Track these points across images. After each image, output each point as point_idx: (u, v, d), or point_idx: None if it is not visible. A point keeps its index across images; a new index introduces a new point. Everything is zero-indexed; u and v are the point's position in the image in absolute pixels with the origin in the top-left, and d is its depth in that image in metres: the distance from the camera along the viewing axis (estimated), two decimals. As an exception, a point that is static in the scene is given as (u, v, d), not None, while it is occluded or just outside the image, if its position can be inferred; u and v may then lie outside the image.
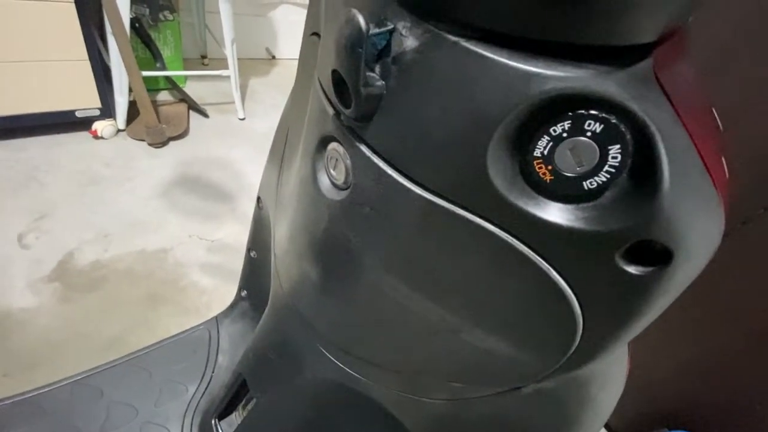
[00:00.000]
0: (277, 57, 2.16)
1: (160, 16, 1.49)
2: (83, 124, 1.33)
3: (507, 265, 0.21)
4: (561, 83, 0.15)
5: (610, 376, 0.30)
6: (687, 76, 0.17)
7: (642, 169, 0.16)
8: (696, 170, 0.17)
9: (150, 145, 1.40)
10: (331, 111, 0.23)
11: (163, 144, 1.42)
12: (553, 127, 0.17)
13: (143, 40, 1.44)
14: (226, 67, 1.53)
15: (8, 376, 0.81)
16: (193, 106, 1.60)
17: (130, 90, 1.36)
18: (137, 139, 1.41)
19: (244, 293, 0.70)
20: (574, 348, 0.22)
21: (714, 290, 0.79)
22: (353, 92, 0.19)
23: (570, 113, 0.16)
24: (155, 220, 1.20)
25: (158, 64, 1.47)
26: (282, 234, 0.36)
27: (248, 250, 0.64)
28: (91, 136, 1.35)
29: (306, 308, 0.34)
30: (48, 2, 1.05)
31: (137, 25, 1.40)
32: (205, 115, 1.61)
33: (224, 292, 1.10)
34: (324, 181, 0.25)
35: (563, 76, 0.15)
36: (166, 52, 1.53)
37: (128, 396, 0.58)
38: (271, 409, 0.44)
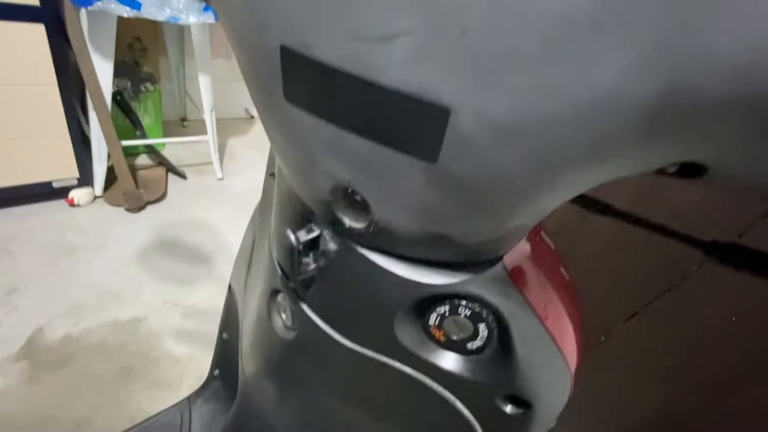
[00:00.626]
0: (255, 116, 2.26)
1: (142, 87, 1.56)
2: (59, 193, 1.35)
3: (423, 395, 0.25)
4: (435, 288, 0.20)
5: None
6: (538, 262, 0.23)
7: (503, 341, 0.21)
8: (544, 342, 0.22)
9: (127, 210, 1.42)
10: (279, 271, 0.28)
11: (141, 208, 1.45)
12: (439, 307, 0.22)
13: (124, 111, 1.49)
14: (205, 129, 1.60)
15: (-34, 470, 0.78)
16: (172, 169, 1.65)
17: (109, 157, 1.40)
18: (115, 205, 1.43)
19: (216, 372, 0.71)
20: None
21: (656, 344, 0.85)
22: (291, 278, 0.23)
23: (448, 300, 0.21)
24: (130, 288, 1.20)
25: (138, 133, 1.52)
26: (245, 339, 0.39)
27: (220, 332, 0.66)
28: (67, 204, 1.36)
29: (266, 406, 0.37)
30: (32, 86, 1.10)
31: (119, 97, 1.46)
32: (184, 177, 1.66)
33: (198, 360, 1.09)
34: (277, 321, 0.30)
35: (436, 284, 0.20)
36: (146, 120, 1.59)
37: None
38: None
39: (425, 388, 0.24)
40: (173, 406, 0.70)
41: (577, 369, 0.24)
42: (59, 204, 1.37)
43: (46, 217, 1.32)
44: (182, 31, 1.68)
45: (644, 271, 0.85)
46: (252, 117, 2.24)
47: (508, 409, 0.23)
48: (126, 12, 1.07)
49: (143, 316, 1.14)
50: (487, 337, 0.21)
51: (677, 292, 0.80)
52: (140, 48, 1.59)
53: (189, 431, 0.67)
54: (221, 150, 1.85)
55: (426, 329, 0.23)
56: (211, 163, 1.75)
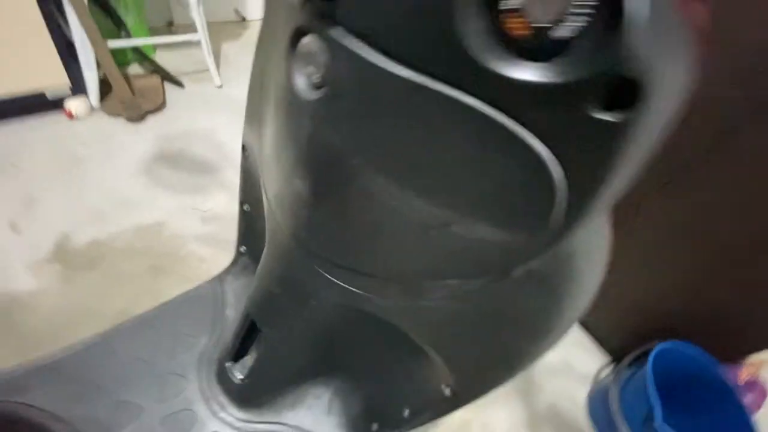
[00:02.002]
0: (247, 18, 2.07)
1: (118, -19, 1.40)
2: (56, 105, 1.29)
3: (487, 138, 0.22)
4: None
5: (593, 248, 0.31)
6: None
7: (610, 6, 0.16)
8: (665, 3, 0.17)
9: (127, 120, 1.37)
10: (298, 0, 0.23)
11: (141, 118, 1.39)
12: None
13: (104, 9, 1.36)
14: (194, 32, 1.47)
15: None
16: (167, 77, 1.55)
17: (99, 65, 1.31)
18: (114, 115, 1.37)
19: (242, 249, 0.72)
20: (557, 214, 0.23)
21: (688, 212, 0.82)
22: None
23: None
24: (145, 196, 1.20)
25: (123, 33, 1.41)
26: (269, 162, 0.36)
27: (241, 203, 0.65)
28: (66, 116, 1.31)
29: (302, 231, 0.35)
30: (-6, -28, 0.98)
31: (95, -8, 1.32)
32: (181, 85, 1.57)
33: (222, 258, 1.11)
34: (299, 83, 0.25)
35: None
36: (129, 21, 1.46)
37: (142, 352, 0.60)
38: (280, 341, 0.46)
39: (489, 123, 0.20)
40: (205, 282, 0.72)
41: None
42: (57, 117, 1.31)
43: (46, 130, 1.27)
44: None
45: (682, 132, 0.79)
46: (244, 19, 2.05)
47: (605, 116, 0.18)
48: None
49: (164, 221, 1.15)
50: (587, 8, 0.16)
51: (716, 156, 0.75)
52: (110, -63, 1.40)
53: (223, 302, 0.69)
54: (215, 56, 1.72)
55: (497, 24, 0.18)
56: (207, 70, 1.64)
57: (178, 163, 1.32)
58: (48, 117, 1.30)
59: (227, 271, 0.74)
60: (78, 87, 1.29)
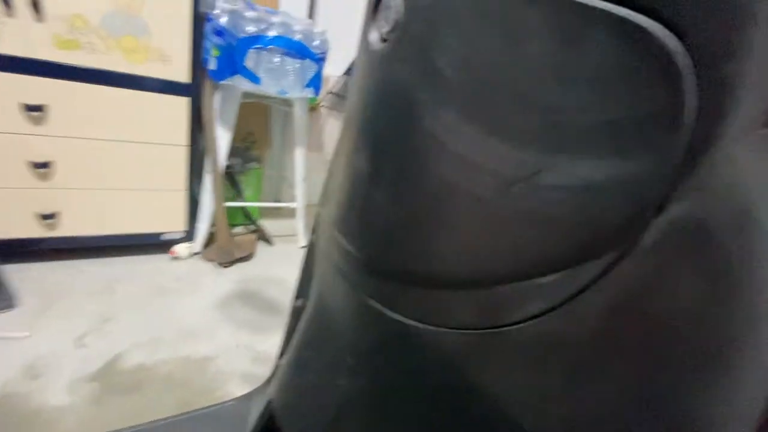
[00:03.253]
0: (339, 204, 2.43)
1: (248, 165, 1.81)
2: (165, 246, 1.49)
3: (575, 32, 0.18)
4: None
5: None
6: None
7: None
8: None
9: (219, 264, 1.50)
10: None
11: (231, 264, 1.52)
12: None
13: (231, 181, 1.72)
14: (295, 214, 1.75)
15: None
16: (262, 236, 1.76)
17: (212, 224, 1.56)
18: (208, 260, 1.53)
19: (284, 359, 0.61)
20: (687, 111, 0.16)
21: None
22: None
23: None
24: (207, 328, 1.19)
25: (239, 199, 1.71)
26: (338, 171, 0.34)
27: (295, 299, 0.59)
28: (170, 256, 1.49)
29: (357, 230, 0.29)
30: (166, 146, 1.34)
31: (229, 169, 1.70)
32: (271, 243, 1.75)
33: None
34: (373, 39, 0.26)
35: None
36: (248, 192, 1.80)
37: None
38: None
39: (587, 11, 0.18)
40: (233, 399, 0.59)
41: None
42: (163, 256, 1.50)
43: (149, 265, 1.44)
44: (286, 128, 2.00)
45: None
46: (336, 203, 2.41)
47: None
48: (249, 85, 1.32)
49: (214, 356, 1.09)
50: None
51: None
52: (252, 140, 1.90)
53: (244, 428, 0.55)
54: (305, 226, 1.96)
55: None
56: (296, 234, 1.85)
57: (249, 302, 1.34)
58: (155, 255, 1.49)
59: (260, 389, 0.62)
60: (189, 234, 1.51)
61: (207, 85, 1.36)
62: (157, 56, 1.22)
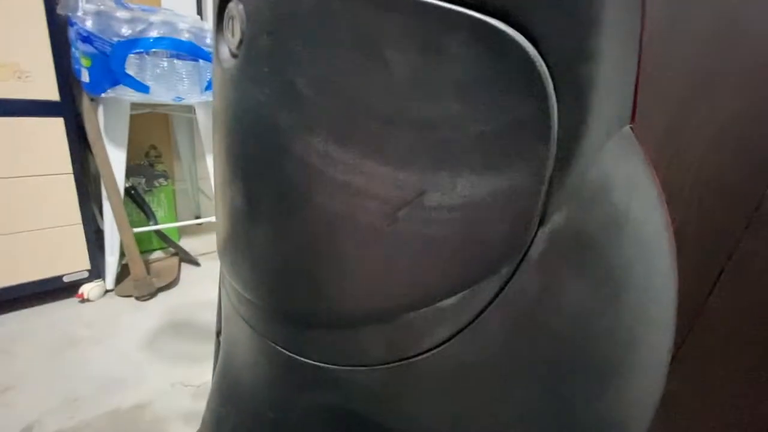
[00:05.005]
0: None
1: (155, 183, 1.64)
2: (70, 289, 1.31)
3: (433, 40, 0.16)
4: None
5: (639, 194, 0.20)
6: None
7: None
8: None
9: (137, 298, 1.35)
10: None
11: (151, 296, 1.38)
12: None
13: (138, 204, 1.54)
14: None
15: None
16: (185, 258, 1.62)
17: (123, 255, 1.39)
18: (125, 296, 1.37)
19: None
20: (554, 131, 0.15)
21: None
22: None
23: None
24: (134, 374, 1.06)
25: (151, 222, 1.54)
26: (216, 195, 0.30)
27: (217, 335, 0.54)
28: (77, 299, 1.31)
29: (238, 269, 0.26)
30: (47, 176, 1.15)
31: (133, 191, 1.52)
32: (197, 264, 1.62)
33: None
34: (224, 53, 0.22)
35: None
36: (159, 213, 1.63)
37: None
38: None
39: (444, 18, 0.16)
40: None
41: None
42: (68, 301, 1.31)
43: (52, 315, 1.25)
44: (192, 135, 1.84)
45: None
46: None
47: None
48: (137, 95, 1.17)
49: (148, 402, 0.98)
50: None
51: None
52: (156, 154, 1.72)
53: None
54: (235, 237, 1.84)
55: None
56: (225, 249, 1.73)
57: (180, 333, 1.23)
58: (58, 301, 1.30)
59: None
60: (95, 271, 1.34)
61: (85, 100, 1.19)
62: (11, 73, 1.02)
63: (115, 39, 1.08)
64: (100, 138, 1.24)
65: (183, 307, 1.35)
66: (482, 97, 0.17)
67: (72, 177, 1.19)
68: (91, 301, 1.32)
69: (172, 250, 1.66)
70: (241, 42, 0.21)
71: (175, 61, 1.19)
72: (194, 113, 1.50)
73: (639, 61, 0.17)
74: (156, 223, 1.56)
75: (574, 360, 0.19)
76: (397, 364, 0.22)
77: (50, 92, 1.08)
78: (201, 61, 1.24)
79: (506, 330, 0.20)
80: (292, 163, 0.20)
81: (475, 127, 0.17)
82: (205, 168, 1.93)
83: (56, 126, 1.12)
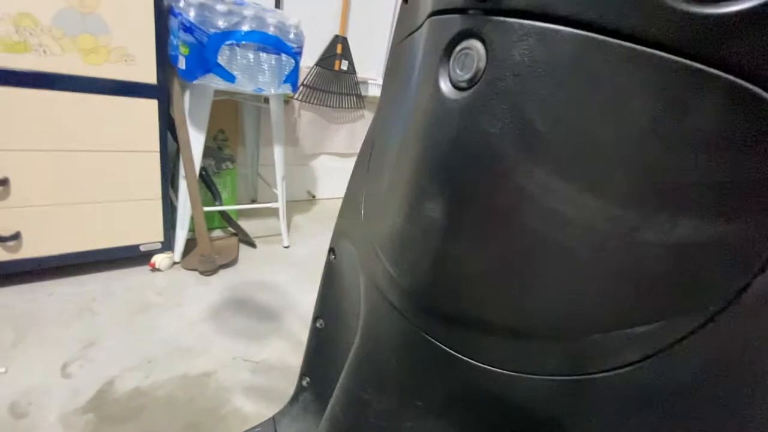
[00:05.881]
0: (317, 197, 2.39)
1: (223, 165, 1.73)
2: (143, 258, 1.41)
3: (682, 96, 0.18)
4: None
5: None
6: None
7: None
8: None
9: (201, 273, 1.44)
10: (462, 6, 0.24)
11: (214, 272, 1.46)
12: None
13: (206, 184, 1.63)
14: (273, 212, 1.69)
15: None
16: (243, 239, 1.70)
17: (190, 230, 1.49)
18: (190, 269, 1.46)
19: (306, 381, 0.60)
20: None
21: None
22: None
23: None
24: (200, 343, 1.14)
25: (217, 203, 1.63)
26: (384, 201, 0.33)
27: (314, 319, 0.58)
28: (149, 268, 1.41)
29: (427, 276, 0.28)
30: (138, 152, 1.25)
31: (203, 172, 1.61)
32: (254, 246, 1.70)
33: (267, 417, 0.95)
34: (445, 85, 0.25)
35: None
36: (224, 194, 1.72)
37: None
38: None
39: (683, 75, 0.18)
40: (256, 426, 0.58)
41: None
42: (141, 268, 1.41)
43: (128, 280, 1.35)
44: (259, 124, 1.92)
45: None
46: (314, 197, 2.37)
47: None
48: (223, 84, 1.24)
49: (213, 371, 1.05)
50: None
51: None
52: (223, 138, 1.81)
53: None
54: (288, 225, 1.91)
55: None
56: (279, 234, 1.80)
57: (241, 310, 1.30)
58: (134, 268, 1.41)
59: (283, 412, 0.61)
60: (167, 243, 1.43)
61: (176, 86, 1.27)
62: (119, 56, 1.12)
63: (212, 30, 1.15)
64: (185, 122, 1.32)
65: (242, 286, 1.43)
66: (726, 152, 0.18)
67: (158, 155, 1.28)
68: (161, 271, 1.42)
69: (231, 230, 1.75)
70: (474, 77, 0.23)
71: (261, 54, 1.25)
72: (265, 102, 1.57)
73: None
74: (221, 204, 1.65)
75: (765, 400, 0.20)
76: (574, 377, 0.24)
77: (150, 76, 1.17)
78: (283, 55, 1.30)
79: (701, 365, 0.21)
80: (509, 190, 0.23)
81: (711, 177, 0.19)
82: (265, 155, 2.01)
83: (150, 107, 1.21)
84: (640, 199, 0.20)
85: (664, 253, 0.20)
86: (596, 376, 0.23)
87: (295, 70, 1.36)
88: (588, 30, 0.19)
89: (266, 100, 1.55)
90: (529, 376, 0.25)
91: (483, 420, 0.28)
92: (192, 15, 1.12)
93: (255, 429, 0.58)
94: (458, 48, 0.24)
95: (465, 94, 0.23)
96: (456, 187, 0.25)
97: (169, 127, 1.31)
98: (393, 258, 0.31)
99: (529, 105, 0.21)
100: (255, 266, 1.58)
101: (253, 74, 1.27)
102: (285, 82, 1.36)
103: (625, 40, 0.18)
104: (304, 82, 1.95)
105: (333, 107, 2.14)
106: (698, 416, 0.22)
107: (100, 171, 1.20)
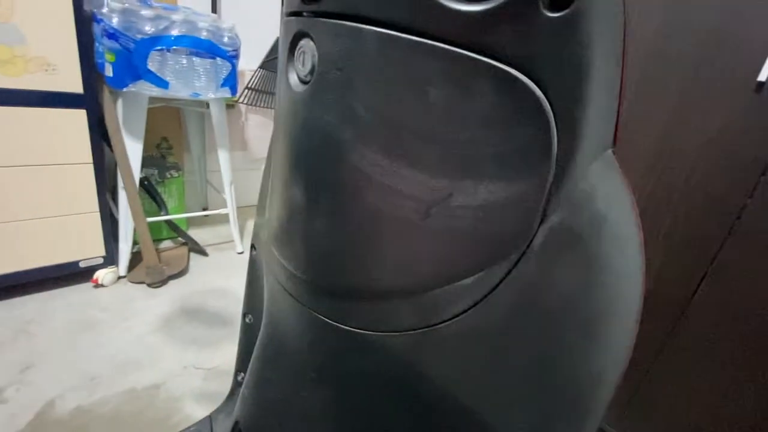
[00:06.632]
0: (272, 202, 2.37)
1: (167, 174, 1.69)
2: (84, 274, 1.36)
3: (464, 80, 0.22)
4: None
5: (615, 201, 0.25)
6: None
7: None
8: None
9: (149, 285, 1.40)
10: (298, 9, 0.27)
11: (163, 283, 1.43)
12: None
13: (150, 194, 1.59)
14: (225, 219, 1.66)
15: None
16: (194, 248, 1.67)
17: (135, 243, 1.44)
18: (137, 282, 1.42)
19: (240, 377, 0.62)
20: (554, 152, 0.21)
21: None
22: None
23: None
24: (149, 356, 1.12)
25: (162, 212, 1.59)
26: (272, 194, 0.35)
27: (244, 315, 0.59)
28: (92, 284, 1.36)
29: (301, 254, 0.31)
30: (69, 165, 1.20)
31: (146, 182, 1.57)
32: (205, 254, 1.67)
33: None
34: (293, 79, 0.27)
35: None
36: (170, 204, 1.68)
37: None
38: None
39: (462, 63, 0.21)
40: (194, 424, 0.59)
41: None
42: (84, 285, 1.36)
43: (69, 298, 1.30)
44: (203, 129, 1.88)
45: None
46: (269, 202, 2.35)
47: (553, 14, 0.20)
48: (157, 90, 1.22)
49: (162, 382, 1.04)
50: None
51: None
52: (167, 147, 1.77)
53: None
54: (240, 231, 1.89)
55: None
56: (231, 241, 1.78)
57: (192, 320, 1.28)
58: (75, 286, 1.35)
59: (220, 409, 0.62)
60: (110, 258, 1.38)
61: (106, 93, 1.24)
62: (39, 66, 1.07)
63: (139, 36, 1.12)
64: (118, 130, 1.29)
65: (193, 295, 1.41)
66: (500, 126, 0.22)
67: (92, 167, 1.24)
68: (105, 286, 1.37)
69: (180, 240, 1.71)
70: (311, 72, 0.26)
71: (194, 58, 1.24)
72: (207, 108, 1.55)
73: (620, 102, 0.23)
74: (167, 214, 1.61)
75: (563, 326, 0.24)
76: (423, 330, 0.28)
77: (75, 85, 1.13)
78: (218, 58, 1.29)
79: (511, 304, 0.25)
80: (348, 169, 0.26)
81: (494, 148, 0.23)
82: (214, 161, 1.98)
83: (78, 117, 1.17)
84: (449, 169, 0.24)
85: (473, 214, 0.24)
86: (439, 326, 0.27)
87: (233, 73, 1.36)
88: (388, 28, 0.23)
89: (208, 105, 1.53)
90: (390, 334, 0.29)
91: (360, 379, 0.31)
92: (115, 21, 1.10)
93: (191, 428, 0.59)
94: (298, 46, 0.27)
95: (306, 86, 0.27)
96: (309, 171, 0.28)
97: (103, 137, 1.27)
98: (280, 246, 0.34)
99: (349, 94, 0.24)
100: (206, 274, 1.56)
101: (188, 79, 1.25)
102: (223, 85, 1.35)
103: (416, 36, 0.22)
104: (249, 86, 1.94)
105: (281, 110, 2.14)
106: (512, 347, 0.26)
107: (32, 186, 1.15)
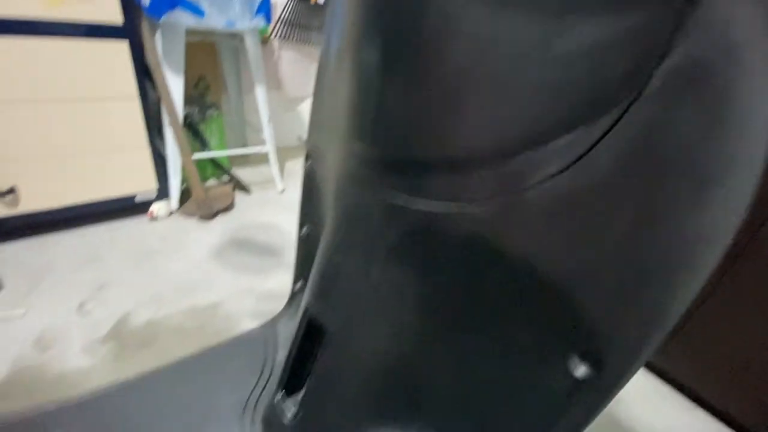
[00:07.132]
0: (308, 143, 2.37)
1: (207, 113, 1.71)
2: (141, 208, 1.44)
3: None
4: None
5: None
6: None
7: None
8: None
9: (200, 218, 1.48)
10: None
11: (212, 217, 1.49)
12: None
13: (193, 132, 1.62)
14: (264, 158, 1.68)
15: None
16: (238, 185, 1.72)
17: (184, 179, 1.50)
18: (188, 216, 1.49)
19: (298, 285, 0.64)
20: None
21: None
22: None
23: None
24: (206, 279, 1.20)
25: (206, 151, 1.63)
26: (337, 77, 0.33)
27: (300, 226, 0.61)
28: (148, 218, 1.44)
29: (372, 123, 0.30)
30: (116, 101, 1.23)
31: (188, 120, 1.60)
32: (249, 192, 1.72)
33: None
34: None
35: None
36: (213, 142, 1.71)
37: (179, 396, 0.50)
38: (345, 342, 0.36)
39: None
40: (258, 326, 0.63)
41: None
42: (140, 218, 1.45)
43: (129, 229, 1.40)
44: (239, 68, 1.86)
45: None
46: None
47: None
48: (193, 20, 1.19)
49: (220, 302, 1.12)
50: None
51: None
52: (204, 86, 1.77)
53: (275, 347, 0.59)
54: (280, 170, 1.92)
55: None
56: (272, 180, 1.81)
57: (243, 250, 1.35)
58: (133, 218, 1.44)
59: (281, 314, 0.65)
60: (162, 192, 1.45)
61: (144, 25, 1.23)
62: (78, -5, 1.07)
63: (173, -42, 1.08)
64: (159, 65, 1.29)
65: (241, 229, 1.47)
66: None
67: (138, 101, 1.26)
68: (159, 219, 1.46)
69: (225, 178, 1.76)
70: None
71: (228, -18, 1.19)
72: (241, 41, 1.51)
73: None
74: (210, 151, 1.65)
75: (678, 179, 0.21)
76: (506, 198, 0.26)
77: (114, 15, 1.13)
78: (252, -17, 1.23)
79: (616, 158, 0.22)
80: (433, 18, 0.23)
81: None
82: (250, 101, 1.97)
83: (120, 49, 1.18)
84: (546, 6, 0.21)
85: (576, 59, 0.21)
86: (524, 193, 0.25)
87: (267, 0, 1.30)
88: None
89: (242, 39, 1.49)
90: (468, 204, 0.27)
91: (433, 255, 0.31)
92: (148, -58, 1.06)
93: (257, 328, 0.63)
94: None
95: None
96: (386, 26, 0.26)
97: (146, 73, 1.28)
98: (351, 127, 0.33)
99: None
100: (252, 210, 1.61)
101: (222, 7, 1.22)
102: (258, 13, 1.31)
103: None
104: (281, 18, 1.87)
105: (314, 45, 2.06)
106: (621, 206, 0.24)
107: (82, 121, 1.20)
